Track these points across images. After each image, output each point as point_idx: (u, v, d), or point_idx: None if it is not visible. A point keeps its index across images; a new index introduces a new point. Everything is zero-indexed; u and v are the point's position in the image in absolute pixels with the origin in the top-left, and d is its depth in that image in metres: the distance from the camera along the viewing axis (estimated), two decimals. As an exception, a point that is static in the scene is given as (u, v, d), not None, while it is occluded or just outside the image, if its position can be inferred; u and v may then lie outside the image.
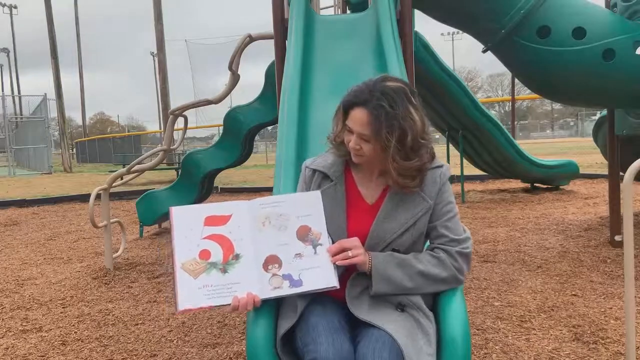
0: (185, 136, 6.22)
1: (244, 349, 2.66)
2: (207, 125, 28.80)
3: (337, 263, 1.46)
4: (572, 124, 48.90)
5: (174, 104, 19.20)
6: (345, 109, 1.52)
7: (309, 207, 1.53)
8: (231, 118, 5.71)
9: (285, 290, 1.44)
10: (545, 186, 8.31)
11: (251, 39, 4.69)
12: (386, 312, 1.48)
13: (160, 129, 36.54)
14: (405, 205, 1.54)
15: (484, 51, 4.28)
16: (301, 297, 1.50)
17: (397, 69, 2.82)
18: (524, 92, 26.26)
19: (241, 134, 5.66)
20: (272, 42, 3.47)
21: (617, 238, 4.29)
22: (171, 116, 5.39)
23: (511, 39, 3.92)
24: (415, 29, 5.56)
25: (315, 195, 1.55)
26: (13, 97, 43.18)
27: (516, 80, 9.12)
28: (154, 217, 5.86)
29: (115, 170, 6.23)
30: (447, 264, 1.52)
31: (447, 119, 7.37)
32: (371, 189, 1.60)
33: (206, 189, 6.18)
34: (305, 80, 2.99)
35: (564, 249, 4.39)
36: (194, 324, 3.08)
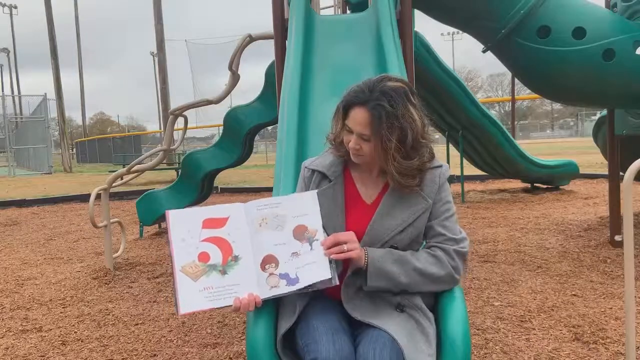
0: (185, 136, 6.22)
1: (244, 349, 2.66)
2: (207, 125, 28.78)
3: (332, 257, 1.45)
4: (572, 124, 48.91)
5: (174, 104, 19.21)
6: (345, 109, 1.52)
7: (305, 206, 1.53)
8: (231, 118, 5.71)
9: (283, 289, 1.45)
10: (545, 186, 8.31)
11: (251, 39, 4.69)
12: (386, 312, 1.48)
13: (160, 129, 36.54)
14: (404, 204, 1.54)
15: (484, 51, 4.28)
16: (300, 297, 1.50)
17: (397, 69, 2.82)
18: (524, 92, 26.26)
19: (241, 134, 5.66)
20: (272, 42, 3.47)
21: (617, 238, 4.29)
22: (171, 116, 5.39)
23: (511, 39, 3.92)
24: (415, 29, 5.56)
25: (312, 195, 1.55)
26: (13, 97, 43.21)
27: (516, 80, 9.12)
28: (154, 217, 5.86)
29: (115, 170, 6.23)
30: (444, 262, 1.51)
31: (447, 119, 7.37)
32: (370, 188, 1.60)
33: (206, 189, 6.18)
34: (305, 80, 2.99)
35: (564, 249, 4.39)
36: (194, 324, 3.08)
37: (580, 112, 40.09)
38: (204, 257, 1.46)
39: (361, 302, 1.51)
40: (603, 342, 2.55)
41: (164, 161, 6.19)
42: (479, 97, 26.77)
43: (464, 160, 7.87)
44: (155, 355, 2.68)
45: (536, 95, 6.82)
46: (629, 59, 3.70)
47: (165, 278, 4.11)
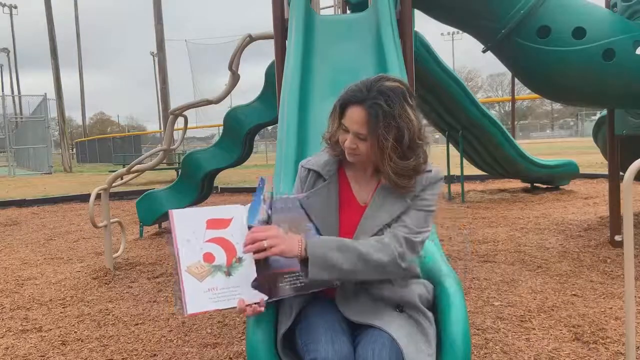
0: (185, 136, 6.22)
1: (244, 349, 2.66)
2: (207, 125, 28.78)
3: (253, 257, 1.38)
4: (572, 124, 48.91)
5: (174, 104, 19.19)
6: (342, 108, 1.52)
7: (296, 208, 1.56)
8: (231, 118, 5.72)
9: (285, 292, 1.45)
10: (545, 186, 8.31)
11: (251, 39, 4.69)
12: (385, 312, 1.48)
13: (160, 129, 36.54)
14: (388, 204, 1.52)
15: (484, 51, 4.28)
16: (300, 298, 1.50)
17: (397, 69, 2.82)
18: (524, 92, 26.26)
19: (241, 134, 5.66)
20: (272, 42, 3.47)
21: (617, 238, 4.29)
22: (171, 116, 5.39)
23: (511, 39, 3.92)
24: (415, 29, 5.56)
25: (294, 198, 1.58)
26: (13, 97, 43.21)
27: (516, 80, 9.12)
28: (154, 217, 5.86)
29: (115, 170, 6.23)
30: (390, 247, 1.45)
31: (447, 119, 7.37)
32: (364, 188, 1.60)
33: (206, 189, 6.18)
34: (305, 80, 3.00)
35: (564, 249, 4.39)
36: (194, 324, 3.08)
37: (580, 112, 40.09)
38: (208, 257, 1.46)
39: (359, 303, 1.51)
40: (603, 342, 2.55)
41: (164, 161, 6.19)
42: (479, 97, 26.77)
43: (464, 160, 7.87)
44: (155, 355, 2.68)
45: (536, 95, 6.82)
46: (629, 59, 3.70)
47: (165, 278, 4.11)
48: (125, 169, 5.06)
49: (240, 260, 1.47)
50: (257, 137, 9.12)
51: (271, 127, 7.00)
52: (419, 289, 1.54)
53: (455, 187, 8.48)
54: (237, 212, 1.53)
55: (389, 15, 3.21)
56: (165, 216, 5.97)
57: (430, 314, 1.51)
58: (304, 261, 1.40)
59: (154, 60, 40.57)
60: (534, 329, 2.75)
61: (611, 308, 2.99)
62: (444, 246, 4.62)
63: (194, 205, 5.91)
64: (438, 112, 7.37)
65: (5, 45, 51.74)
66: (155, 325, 3.08)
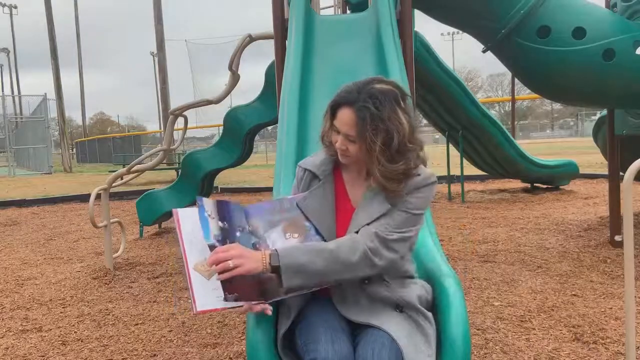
0: (185, 136, 6.22)
1: (244, 349, 2.66)
2: (207, 125, 28.78)
3: (218, 278, 1.35)
4: (572, 124, 48.91)
5: (174, 104, 19.19)
6: (333, 109, 1.52)
7: (292, 208, 1.56)
8: (231, 118, 5.72)
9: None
10: (545, 186, 8.31)
11: (251, 39, 4.69)
12: (385, 312, 1.48)
13: (160, 129, 36.53)
14: (375, 204, 1.51)
15: (484, 51, 4.28)
16: (300, 297, 1.50)
17: (397, 69, 2.82)
18: (524, 92, 26.24)
19: (241, 134, 5.67)
20: (272, 42, 3.47)
21: (617, 238, 4.29)
22: (171, 116, 5.39)
23: (511, 39, 3.92)
24: (415, 29, 5.56)
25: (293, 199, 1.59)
26: (13, 97, 43.18)
27: (516, 80, 9.12)
28: (154, 217, 5.86)
29: (115, 170, 6.23)
30: (360, 242, 1.43)
31: (447, 119, 7.37)
32: (357, 189, 1.59)
33: (206, 189, 6.18)
34: (305, 80, 3.00)
35: (564, 249, 4.39)
36: (194, 324, 3.08)
37: (580, 112, 40.08)
38: None
39: (357, 303, 1.51)
40: (603, 342, 2.55)
41: (164, 161, 6.19)
42: (479, 97, 26.76)
43: (464, 160, 7.87)
44: (155, 355, 2.68)
45: (536, 95, 6.82)
46: (629, 59, 3.70)
47: (165, 278, 4.11)
48: (125, 169, 5.06)
49: None
50: (257, 137, 9.13)
51: (271, 127, 7.01)
52: (417, 290, 1.54)
53: (455, 187, 8.47)
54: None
55: (389, 15, 3.21)
56: (165, 216, 5.98)
57: (429, 315, 1.50)
58: (277, 270, 1.38)
59: (154, 60, 40.56)
60: (534, 329, 2.75)
61: (611, 308, 2.99)
62: (444, 246, 4.62)
63: (193, 205, 5.90)
64: (438, 112, 7.37)
65: (5, 45, 51.76)
66: (155, 325, 3.08)
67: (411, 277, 1.58)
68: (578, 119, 43.35)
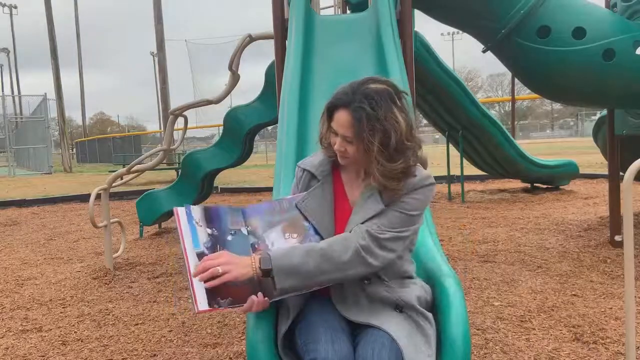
0: (185, 136, 6.22)
1: (244, 349, 2.66)
2: (207, 125, 28.78)
3: (206, 285, 1.35)
4: (572, 124, 48.90)
5: (174, 104, 19.19)
6: (330, 111, 1.52)
7: (291, 209, 1.57)
8: (231, 118, 5.72)
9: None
10: (545, 186, 8.31)
11: (251, 39, 4.69)
12: (385, 312, 1.48)
13: (160, 129, 36.53)
14: (369, 203, 1.51)
15: (484, 51, 4.28)
16: (300, 297, 1.50)
17: (397, 69, 2.82)
18: (524, 92, 26.24)
19: (241, 134, 5.66)
20: (272, 42, 3.47)
21: (617, 238, 4.29)
22: (171, 116, 5.39)
23: (511, 39, 3.92)
24: (415, 29, 5.57)
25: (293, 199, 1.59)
26: (13, 97, 43.18)
27: (516, 80, 9.12)
28: (154, 217, 5.86)
29: (115, 170, 6.23)
30: (352, 241, 1.42)
31: (447, 119, 7.37)
32: (355, 189, 1.59)
33: (206, 189, 6.18)
34: (305, 80, 3.00)
35: (564, 249, 4.39)
36: (194, 324, 3.08)
37: (580, 112, 40.08)
38: None
39: (357, 303, 1.51)
40: (603, 342, 2.55)
41: (164, 161, 6.19)
42: (479, 97, 26.75)
43: (464, 160, 7.88)
44: (155, 355, 2.68)
45: (536, 95, 6.82)
46: (629, 59, 3.70)
47: (165, 278, 4.11)
48: (125, 169, 5.06)
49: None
50: (257, 137, 9.13)
51: (271, 127, 7.01)
52: (417, 291, 1.54)
53: (455, 187, 8.47)
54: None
55: (389, 15, 3.21)
56: (165, 216, 5.98)
57: (429, 315, 1.50)
58: (268, 274, 1.38)
59: (154, 60, 40.56)
60: (534, 329, 2.75)
61: (611, 308, 2.99)
62: (444, 246, 4.62)
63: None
64: (438, 112, 7.37)
65: (5, 45, 51.77)
66: (155, 325, 3.08)
67: (411, 277, 1.58)
68: (578, 119, 43.35)
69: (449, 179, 8.28)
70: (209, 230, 1.47)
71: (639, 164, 1.93)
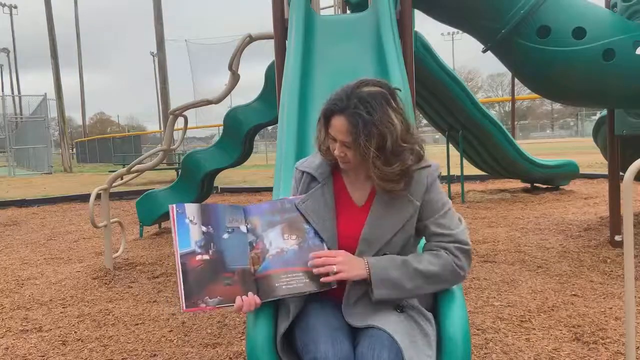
0: (185, 136, 6.22)
1: (244, 349, 2.66)
2: (207, 125, 28.78)
3: (322, 280, 1.45)
4: (572, 124, 48.89)
5: (174, 104, 19.19)
6: (326, 117, 1.51)
7: (292, 210, 1.57)
8: (231, 118, 5.72)
9: (281, 291, 1.46)
10: (545, 186, 8.31)
11: (251, 39, 4.69)
12: (385, 313, 1.48)
13: (160, 129, 36.53)
14: (394, 209, 1.52)
15: (484, 51, 4.28)
16: (299, 297, 1.50)
17: (397, 69, 2.82)
18: (524, 92, 26.24)
19: (241, 134, 5.66)
20: (272, 42, 3.47)
21: (617, 238, 4.29)
22: (171, 116, 5.39)
23: (511, 38, 3.92)
24: (415, 29, 5.56)
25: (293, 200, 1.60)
26: (13, 97, 43.20)
27: (516, 80, 9.12)
28: (154, 217, 5.86)
29: (115, 170, 6.23)
30: (448, 261, 1.49)
31: (447, 119, 7.37)
32: (359, 190, 1.59)
33: (206, 189, 6.18)
34: (305, 80, 3.00)
35: (564, 249, 4.39)
36: (194, 324, 3.08)
37: (580, 112, 40.06)
38: None
39: (361, 306, 1.50)
40: (603, 342, 2.55)
41: (164, 161, 6.19)
42: (479, 97, 26.73)
43: (464, 160, 7.87)
44: (155, 355, 2.68)
45: (536, 95, 6.82)
46: (629, 59, 3.70)
47: (165, 278, 4.11)
48: (125, 169, 5.06)
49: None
50: (257, 137, 9.12)
51: (271, 127, 7.00)
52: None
53: (455, 187, 8.47)
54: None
55: (389, 15, 3.21)
56: (165, 216, 5.97)
57: (430, 315, 1.50)
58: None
59: (154, 60, 40.59)
60: (534, 329, 2.75)
61: (611, 308, 2.99)
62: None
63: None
64: (438, 112, 7.37)
65: (5, 45, 51.77)
66: (155, 325, 3.08)
67: None
68: (578, 119, 43.33)
69: (449, 179, 8.27)
70: (204, 228, 1.47)
71: (639, 164, 1.93)
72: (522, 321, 2.86)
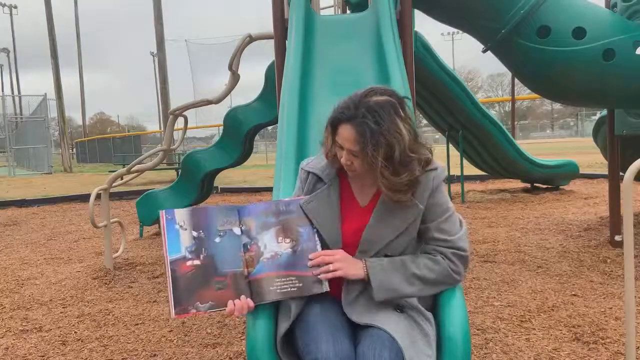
0: (185, 136, 6.22)
1: (244, 349, 2.66)
2: (207, 125, 28.78)
3: (320, 277, 1.48)
4: (572, 124, 48.89)
5: (174, 104, 19.18)
6: (333, 126, 1.51)
7: (293, 209, 1.56)
8: (231, 118, 5.72)
9: (274, 295, 1.47)
10: (545, 186, 8.31)
11: (251, 39, 4.69)
12: (386, 313, 1.48)
13: (160, 129, 36.53)
14: (397, 211, 1.52)
15: (484, 51, 4.28)
16: (299, 298, 1.50)
17: (397, 69, 2.81)
18: (524, 92, 26.23)
19: (241, 134, 5.66)
20: (272, 42, 3.47)
21: (617, 238, 4.29)
22: (171, 116, 5.39)
23: (511, 38, 3.91)
24: (415, 29, 5.56)
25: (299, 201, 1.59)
26: (13, 97, 43.19)
27: (516, 80, 9.12)
28: (154, 217, 5.86)
29: (115, 170, 6.23)
30: (444, 266, 1.51)
31: (447, 119, 7.37)
32: (365, 191, 1.60)
33: (206, 189, 6.18)
34: (305, 80, 2.99)
35: (564, 249, 4.39)
36: (194, 324, 3.08)
37: (580, 112, 40.06)
38: None
39: (361, 305, 1.51)
40: (603, 342, 2.55)
41: (164, 161, 6.19)
42: (479, 97, 26.73)
43: (464, 160, 7.87)
44: (155, 355, 2.68)
45: (536, 95, 6.81)
46: (629, 59, 3.70)
47: (165, 278, 4.11)
48: (125, 169, 5.06)
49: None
50: (257, 137, 9.13)
51: (271, 127, 7.00)
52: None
53: (455, 187, 8.47)
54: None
55: (389, 15, 3.21)
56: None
57: (430, 315, 1.51)
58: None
59: (154, 60, 40.59)
60: (534, 329, 2.75)
61: (611, 308, 2.99)
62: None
63: (193, 205, 5.91)
64: (438, 112, 7.37)
65: (5, 45, 51.76)
66: (155, 325, 3.08)
67: None
68: (578, 119, 43.33)
69: (449, 179, 8.26)
70: (195, 233, 1.47)
71: (639, 164, 1.93)
72: (522, 321, 2.86)
